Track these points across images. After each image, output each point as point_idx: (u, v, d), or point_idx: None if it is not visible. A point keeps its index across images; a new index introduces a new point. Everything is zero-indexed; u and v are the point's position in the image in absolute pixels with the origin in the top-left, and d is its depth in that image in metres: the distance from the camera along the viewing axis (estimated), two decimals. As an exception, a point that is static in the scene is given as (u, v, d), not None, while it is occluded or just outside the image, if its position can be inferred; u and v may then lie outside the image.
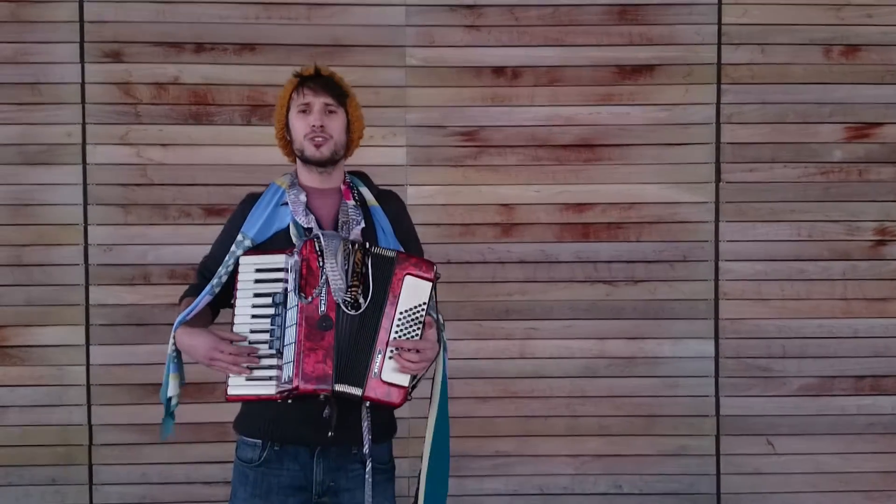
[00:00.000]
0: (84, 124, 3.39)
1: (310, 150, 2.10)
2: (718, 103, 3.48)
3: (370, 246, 2.01)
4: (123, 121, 3.40)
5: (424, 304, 1.99)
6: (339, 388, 1.93)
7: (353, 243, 2.01)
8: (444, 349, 2.09)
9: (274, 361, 1.96)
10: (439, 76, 3.45)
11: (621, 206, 3.48)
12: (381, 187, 2.25)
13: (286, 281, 1.97)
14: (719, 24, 3.47)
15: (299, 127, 2.11)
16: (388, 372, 1.95)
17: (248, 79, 3.41)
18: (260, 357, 1.96)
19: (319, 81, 2.12)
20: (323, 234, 2.00)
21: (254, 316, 1.99)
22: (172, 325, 2.07)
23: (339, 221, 2.08)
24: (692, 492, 3.50)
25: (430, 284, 1.99)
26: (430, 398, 2.10)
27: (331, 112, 2.11)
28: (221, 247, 2.14)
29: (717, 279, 3.49)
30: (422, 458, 2.08)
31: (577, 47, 3.46)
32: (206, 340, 2.00)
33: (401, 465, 2.27)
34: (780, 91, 3.49)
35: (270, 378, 1.95)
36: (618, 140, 3.48)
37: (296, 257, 1.97)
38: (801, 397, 3.51)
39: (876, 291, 3.51)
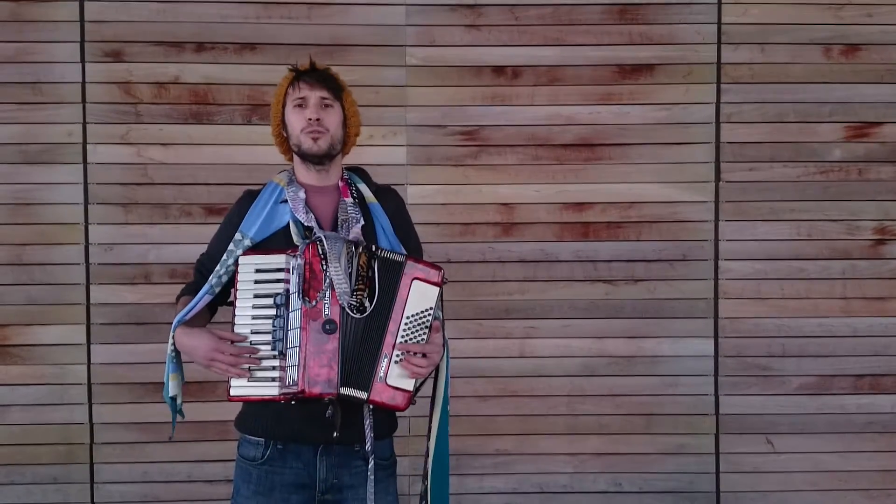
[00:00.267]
0: (85, 123, 3.39)
1: (307, 144, 2.07)
2: (718, 103, 3.48)
3: (376, 249, 1.98)
4: (124, 120, 3.40)
5: (431, 308, 1.98)
6: (344, 391, 1.91)
7: (356, 245, 1.98)
8: (447, 349, 2.08)
9: (276, 362, 1.95)
10: (439, 75, 3.46)
11: (621, 205, 3.48)
12: (379, 184, 2.22)
13: (287, 281, 1.96)
14: (719, 23, 3.47)
15: (296, 121, 2.08)
16: (393, 376, 1.94)
17: (249, 78, 3.41)
18: (261, 358, 1.96)
19: (315, 75, 2.10)
20: (326, 237, 1.97)
21: (255, 317, 1.97)
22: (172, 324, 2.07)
23: (339, 219, 2.05)
24: (692, 490, 3.51)
25: (437, 289, 1.98)
26: (433, 397, 2.11)
27: (327, 106, 2.08)
28: (219, 244, 2.11)
29: (716, 278, 3.50)
30: (425, 457, 2.09)
31: (576, 47, 3.46)
32: (206, 341, 1.98)
33: (401, 463, 2.28)
34: (780, 90, 3.49)
35: (273, 379, 1.94)
36: (618, 139, 3.48)
37: (299, 260, 1.95)
38: (801, 396, 3.51)
39: (875, 291, 3.51)
